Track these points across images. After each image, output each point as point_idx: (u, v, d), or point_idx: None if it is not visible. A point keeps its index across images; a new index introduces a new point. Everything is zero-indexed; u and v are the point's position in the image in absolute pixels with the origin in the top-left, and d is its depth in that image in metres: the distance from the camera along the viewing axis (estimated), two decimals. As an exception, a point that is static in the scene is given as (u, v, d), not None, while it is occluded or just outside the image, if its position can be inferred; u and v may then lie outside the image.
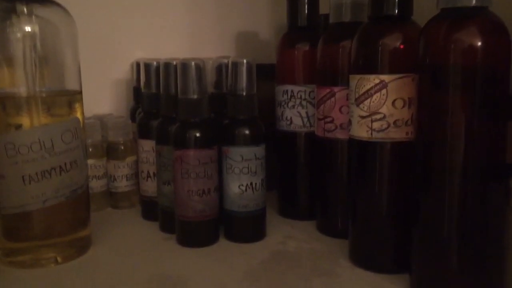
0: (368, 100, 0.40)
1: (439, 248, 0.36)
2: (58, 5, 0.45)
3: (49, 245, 0.44)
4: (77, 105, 0.46)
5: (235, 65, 0.48)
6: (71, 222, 0.46)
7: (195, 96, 0.47)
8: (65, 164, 0.44)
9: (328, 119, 0.49)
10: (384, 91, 0.39)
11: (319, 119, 0.50)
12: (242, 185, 0.48)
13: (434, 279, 0.37)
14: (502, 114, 0.35)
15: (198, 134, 0.47)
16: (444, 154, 0.35)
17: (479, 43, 0.33)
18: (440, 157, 0.35)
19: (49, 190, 0.43)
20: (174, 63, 0.50)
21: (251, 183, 0.48)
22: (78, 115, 0.46)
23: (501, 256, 0.36)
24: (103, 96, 0.67)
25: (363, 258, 0.43)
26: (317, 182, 0.52)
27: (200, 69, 0.47)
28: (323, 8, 0.55)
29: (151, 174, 0.55)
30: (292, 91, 0.54)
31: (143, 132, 0.55)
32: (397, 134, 0.40)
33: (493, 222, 0.35)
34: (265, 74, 0.60)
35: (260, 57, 0.68)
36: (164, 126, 0.50)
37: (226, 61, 0.52)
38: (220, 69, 0.54)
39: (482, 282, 0.35)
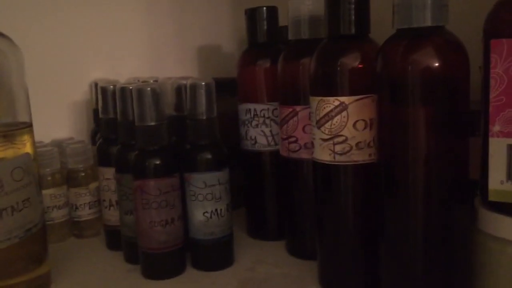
0: (329, 122, 0.39)
1: (405, 269, 0.35)
2: (1, 34, 0.43)
3: (3, 287, 0.42)
4: (26, 138, 0.43)
5: (194, 88, 0.47)
6: (26, 261, 0.44)
7: (153, 123, 0.45)
8: (17, 203, 0.41)
9: (292, 139, 0.47)
10: (344, 113, 0.38)
11: (283, 139, 0.48)
12: (207, 212, 0.46)
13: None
14: (464, 130, 0.34)
15: (157, 163, 0.45)
16: (406, 173, 0.34)
17: (436, 64, 0.32)
18: (403, 177, 0.35)
19: (0, 232, 0.41)
20: (130, 87, 0.48)
21: (216, 210, 0.47)
22: (28, 149, 0.43)
23: (467, 278, 0.35)
24: (62, 119, 0.65)
25: (332, 282, 0.42)
26: (285, 202, 0.50)
27: (156, 94, 0.45)
28: (284, 21, 0.54)
29: (114, 202, 0.53)
30: (255, 109, 0.52)
31: (103, 159, 0.53)
32: (360, 157, 0.39)
33: (459, 243, 0.35)
34: (229, 89, 0.58)
35: (222, 72, 0.67)
36: (123, 153, 0.48)
37: (185, 82, 0.50)
38: (179, 90, 0.52)
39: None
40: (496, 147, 0.31)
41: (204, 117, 0.46)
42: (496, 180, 0.31)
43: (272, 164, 0.53)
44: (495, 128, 0.31)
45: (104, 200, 0.54)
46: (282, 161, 0.49)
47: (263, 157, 0.53)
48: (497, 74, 0.30)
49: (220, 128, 0.48)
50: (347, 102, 0.38)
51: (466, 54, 0.33)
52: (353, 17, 0.38)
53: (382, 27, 0.39)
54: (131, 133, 0.48)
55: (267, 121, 0.52)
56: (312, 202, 0.47)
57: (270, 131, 0.52)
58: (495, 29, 0.30)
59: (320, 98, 0.39)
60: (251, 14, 0.53)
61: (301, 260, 0.49)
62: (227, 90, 0.59)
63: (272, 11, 0.52)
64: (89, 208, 0.57)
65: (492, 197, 0.32)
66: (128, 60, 0.67)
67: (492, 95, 0.30)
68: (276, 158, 0.52)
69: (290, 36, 0.47)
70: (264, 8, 0.52)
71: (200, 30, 0.72)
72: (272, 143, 0.52)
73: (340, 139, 0.39)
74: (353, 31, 0.38)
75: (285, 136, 0.48)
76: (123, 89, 0.49)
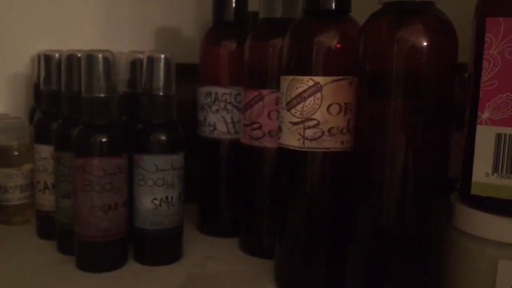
0: (301, 104, 0.35)
1: (375, 267, 0.32)
2: None
3: None
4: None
5: (151, 60, 0.42)
6: None
7: (102, 95, 0.40)
8: None
9: (255, 126, 0.44)
10: (318, 94, 0.35)
11: (245, 125, 0.45)
12: (156, 199, 0.42)
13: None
14: (448, 122, 0.31)
15: (104, 140, 0.40)
16: (383, 165, 0.31)
17: (425, 43, 0.29)
18: (379, 168, 0.32)
19: None
20: (79, 55, 0.42)
21: (166, 197, 0.42)
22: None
23: (441, 277, 0.33)
24: (-3, 93, 0.58)
25: (291, 281, 0.38)
26: (242, 195, 0.46)
27: (108, 63, 0.40)
28: (252, 5, 0.50)
29: (49, 185, 0.47)
30: (216, 93, 0.48)
31: (41, 135, 0.47)
32: (332, 144, 0.35)
33: (434, 240, 0.32)
34: (188, 74, 0.54)
35: (182, 56, 0.62)
36: (65, 129, 0.43)
37: (141, 56, 0.45)
38: (134, 65, 0.47)
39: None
40: (484, 136, 0.29)
41: (161, 93, 0.42)
42: (480, 172, 0.29)
43: (230, 154, 0.49)
44: (484, 115, 0.28)
45: (38, 183, 0.48)
46: (242, 149, 0.46)
47: (221, 145, 0.49)
48: (491, 56, 0.28)
49: (178, 115, 0.43)
50: (322, 83, 0.35)
51: (456, 36, 0.31)
52: (333, -9, 0.35)
53: (364, 8, 0.36)
54: (76, 107, 0.42)
55: (229, 106, 0.48)
56: (272, 195, 0.43)
57: (231, 117, 0.48)
58: (491, 7, 0.28)
59: (292, 77, 0.36)
60: (219, -10, 0.49)
61: (256, 258, 0.45)
62: (187, 76, 0.54)
63: (242, -11, 0.49)
64: (20, 192, 0.51)
65: (475, 191, 0.29)
66: (78, 33, 0.61)
67: (483, 78, 0.28)
68: (236, 148, 0.48)
69: (261, 14, 0.44)
70: (234, -16, 0.48)
71: (161, 8, 0.67)
72: (233, 130, 0.48)
73: (312, 123, 0.35)
74: (332, 6, 0.35)
75: (248, 122, 0.44)
76: (70, 57, 0.43)
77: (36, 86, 0.56)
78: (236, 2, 0.48)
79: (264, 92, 0.43)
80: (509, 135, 0.28)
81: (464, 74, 0.36)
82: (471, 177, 0.29)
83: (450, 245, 0.32)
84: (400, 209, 0.31)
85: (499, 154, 0.28)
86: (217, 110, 0.48)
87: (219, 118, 0.48)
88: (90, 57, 0.40)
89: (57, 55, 0.46)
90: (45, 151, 0.46)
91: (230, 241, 0.48)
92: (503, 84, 0.28)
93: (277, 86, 0.40)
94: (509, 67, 0.27)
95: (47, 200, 0.47)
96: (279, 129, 0.38)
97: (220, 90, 0.48)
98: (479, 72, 0.28)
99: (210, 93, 0.48)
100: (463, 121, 0.32)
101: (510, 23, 0.27)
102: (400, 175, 0.31)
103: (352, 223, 0.34)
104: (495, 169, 0.29)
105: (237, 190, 0.48)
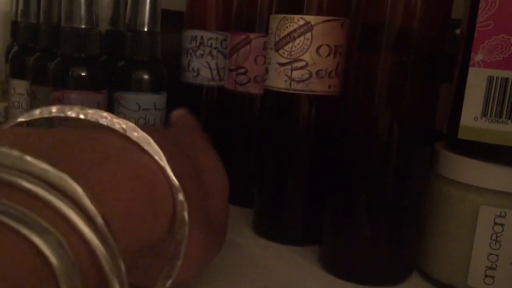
0: (290, 44, 0.34)
1: (353, 215, 0.32)
2: None
3: None
4: None
5: (136, -5, 0.40)
6: None
7: (83, 25, 0.38)
8: None
9: (241, 70, 0.42)
10: (308, 34, 0.34)
11: (231, 70, 0.43)
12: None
13: (345, 250, 0.32)
14: (435, 74, 0.31)
15: (83, 73, 0.38)
16: (369, 114, 0.31)
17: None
18: (364, 117, 0.31)
19: None
20: (59, -15, 0.40)
21: (147, 138, 0.41)
22: None
23: (419, 224, 0.32)
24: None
25: (269, 230, 0.38)
26: (224, 143, 0.45)
27: (90, -7, 0.38)
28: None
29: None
30: (201, 37, 0.47)
31: (17, 70, 0.45)
32: (319, 86, 0.35)
33: (415, 188, 0.32)
34: (174, 22, 0.52)
35: (168, 2, 0.60)
36: (42, 62, 0.41)
37: (125, -7, 0.44)
38: (118, 2, 0.45)
39: (396, 252, 0.32)
40: (475, 79, 0.28)
41: (145, 29, 0.40)
42: (469, 116, 0.29)
43: (214, 101, 0.47)
44: (478, 56, 0.28)
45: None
46: (226, 95, 0.44)
47: (204, 92, 0.48)
48: (489, -5, 0.27)
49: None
50: (313, 23, 0.34)
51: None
52: None
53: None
54: (54, 40, 0.40)
55: (214, 52, 0.47)
56: (256, 142, 0.42)
57: (216, 63, 0.47)
58: None
59: (282, 15, 0.35)
60: None
61: (239, 207, 0.44)
62: (173, 24, 0.52)
63: None
64: (-6, 130, 0.49)
65: (462, 135, 0.29)
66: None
67: (479, 19, 0.27)
68: (219, 95, 0.46)
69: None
70: None
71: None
72: (217, 77, 0.47)
73: (300, 64, 0.34)
74: None
75: (233, 67, 0.43)
76: (50, -13, 0.41)
77: (14, 23, 0.54)
78: None
79: (252, 35, 0.41)
80: (501, 78, 0.27)
81: (455, 31, 0.36)
82: (459, 121, 0.29)
83: (432, 192, 0.32)
84: (383, 156, 0.31)
85: (490, 98, 0.28)
86: (202, 55, 0.47)
87: (203, 64, 0.47)
88: (72, -15, 0.38)
89: (36, -15, 0.44)
90: (20, 86, 0.45)
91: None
92: (499, 25, 0.27)
93: (265, 30, 0.38)
94: (506, 8, 0.27)
95: (21, 138, 0.45)
96: (266, 71, 0.37)
97: (206, 35, 0.46)
98: (476, 12, 0.27)
99: (195, 37, 0.47)
100: (452, 73, 0.32)
101: (511, -38, 0.26)
102: (386, 125, 0.30)
103: (334, 169, 0.33)
104: (484, 113, 0.28)
105: (220, 138, 0.47)
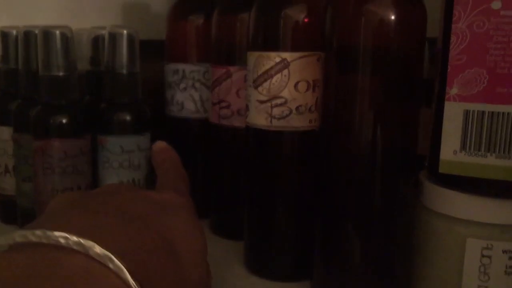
0: (268, 82, 0.34)
1: (342, 247, 0.32)
2: None
3: None
4: None
5: (113, 36, 0.40)
6: None
7: (61, 73, 0.38)
8: None
9: (224, 104, 0.42)
10: (285, 71, 0.34)
11: (214, 104, 0.43)
12: (122, 182, 0.40)
13: (336, 282, 0.32)
14: (417, 98, 0.30)
15: (64, 120, 0.38)
16: (351, 143, 0.30)
17: (393, 16, 0.28)
18: (346, 146, 0.31)
19: None
20: (36, 31, 0.40)
21: (133, 180, 0.40)
22: None
23: (408, 256, 0.32)
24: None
25: (260, 264, 0.38)
26: (211, 176, 0.45)
27: (67, 39, 0.38)
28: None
29: (10, 168, 0.45)
30: (183, 70, 0.47)
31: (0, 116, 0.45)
32: (300, 122, 0.34)
33: (402, 218, 0.31)
34: (155, 52, 0.52)
35: (149, 32, 0.60)
36: (24, 109, 0.41)
37: (104, 32, 0.43)
38: (97, 42, 0.45)
39: (387, 284, 0.32)
40: (452, 113, 0.28)
41: (125, 71, 0.40)
42: (448, 150, 0.28)
43: (199, 133, 0.47)
44: (453, 90, 0.27)
45: (-1, 165, 0.46)
46: (211, 128, 0.44)
47: (189, 125, 0.47)
48: (459, 30, 0.27)
49: (144, 95, 0.41)
50: (289, 59, 0.34)
51: (425, 9, 0.30)
52: (301, -38, 0.34)
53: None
54: (35, 86, 0.40)
55: (197, 84, 0.46)
56: (242, 175, 0.42)
57: (200, 96, 0.47)
58: (460, -22, 0.27)
59: (259, 53, 0.35)
60: (185, -37, 0.47)
61: (226, 240, 0.44)
62: (154, 54, 0.52)
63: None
64: (-18, 175, 0.49)
65: (443, 169, 0.29)
66: (40, 8, 0.59)
67: (452, 53, 0.27)
68: (204, 127, 0.46)
69: (228, -13, 0.42)
70: (200, -44, 0.46)
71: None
72: (201, 109, 0.47)
73: (279, 101, 0.34)
74: (300, -21, 0.34)
75: (216, 101, 0.43)
76: (27, 33, 0.41)
77: (-4, 64, 0.54)
78: (202, -25, 0.47)
79: (232, 69, 0.41)
80: (477, 111, 0.27)
81: (434, 49, 0.35)
82: (439, 155, 0.29)
83: (419, 223, 0.32)
84: (368, 187, 0.31)
85: (467, 131, 0.28)
86: (185, 88, 0.47)
87: (187, 97, 0.47)
88: (47, 33, 0.38)
89: (14, 31, 0.44)
90: (4, 132, 0.44)
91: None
92: (472, 59, 0.27)
93: (245, 63, 0.38)
94: (477, 42, 0.26)
95: (8, 184, 0.45)
96: (247, 107, 0.36)
97: (188, 67, 0.46)
98: (448, 47, 0.27)
99: (178, 70, 0.47)
100: (432, 96, 0.32)
101: (479, -5, 0.26)
102: (368, 151, 0.30)
103: (320, 202, 0.33)
104: (463, 147, 0.28)
105: (206, 170, 0.47)
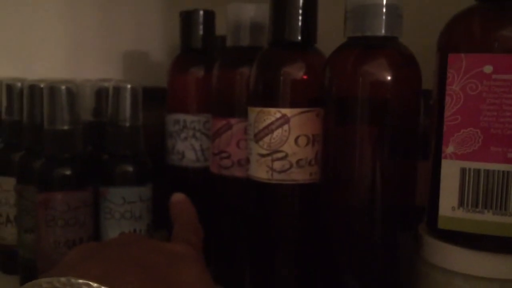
0: (269, 136, 0.35)
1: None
2: None
3: None
4: None
5: (117, 90, 0.41)
6: None
7: (65, 127, 0.39)
8: None
9: (224, 155, 0.43)
10: (286, 126, 0.35)
11: (214, 154, 0.44)
12: (124, 232, 0.40)
13: None
14: (414, 152, 0.31)
15: (67, 173, 0.39)
16: (350, 195, 0.31)
17: (389, 77, 0.30)
18: (346, 199, 0.32)
19: None
20: (41, 85, 0.41)
21: (135, 230, 0.41)
22: None
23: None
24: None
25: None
26: (212, 225, 0.46)
27: (72, 94, 0.39)
28: (220, 29, 0.50)
29: (11, 218, 0.45)
30: (184, 121, 0.47)
31: (3, 167, 0.45)
32: (300, 176, 0.35)
33: (402, 271, 0.32)
34: (157, 99, 0.53)
35: (151, 79, 0.62)
36: (27, 161, 0.42)
37: (107, 84, 0.45)
38: (100, 94, 0.46)
39: None
40: (449, 170, 0.29)
41: (127, 124, 0.41)
42: (447, 206, 0.29)
43: (200, 182, 0.48)
44: (449, 149, 0.28)
45: (0, 215, 0.46)
46: (212, 178, 0.45)
47: (190, 174, 0.48)
48: (453, 91, 0.28)
49: (145, 142, 0.42)
50: (289, 115, 0.35)
51: (419, 70, 0.31)
52: (299, 23, 0.35)
53: (329, 40, 0.36)
54: (38, 138, 0.41)
55: (197, 134, 0.47)
56: (243, 225, 0.43)
57: (200, 145, 0.47)
58: (453, 43, 0.29)
59: (259, 109, 0.36)
60: (186, 17, 0.48)
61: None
62: (155, 100, 0.54)
63: (209, 16, 0.49)
64: (-18, 225, 0.49)
65: (442, 225, 0.29)
66: (44, 59, 0.60)
67: (446, 113, 0.28)
68: (205, 176, 0.47)
69: (229, 43, 0.43)
70: (201, 11, 0.48)
71: (128, 32, 0.66)
72: (202, 158, 0.48)
73: (280, 155, 0.35)
74: (298, 38, 0.35)
75: (216, 151, 0.44)
76: (32, 87, 0.42)
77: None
78: (203, 30, 0.48)
79: (232, 121, 0.42)
80: (473, 169, 0.28)
81: (430, 101, 0.37)
82: (437, 211, 0.29)
83: (419, 276, 0.32)
84: (368, 240, 0.31)
85: (464, 189, 0.28)
86: (186, 138, 0.47)
87: (187, 146, 0.48)
88: (53, 89, 0.39)
89: (19, 84, 0.45)
90: (7, 182, 0.45)
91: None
92: (466, 119, 0.28)
93: (245, 115, 0.39)
94: (471, 103, 0.28)
95: (9, 234, 0.45)
96: (248, 160, 0.37)
97: (189, 118, 0.47)
98: (443, 107, 0.28)
99: (178, 120, 0.48)
100: (429, 149, 0.33)
101: (472, 59, 0.27)
102: (367, 203, 0.31)
103: (320, 254, 0.33)
104: (461, 203, 0.29)
105: (206, 219, 0.47)
